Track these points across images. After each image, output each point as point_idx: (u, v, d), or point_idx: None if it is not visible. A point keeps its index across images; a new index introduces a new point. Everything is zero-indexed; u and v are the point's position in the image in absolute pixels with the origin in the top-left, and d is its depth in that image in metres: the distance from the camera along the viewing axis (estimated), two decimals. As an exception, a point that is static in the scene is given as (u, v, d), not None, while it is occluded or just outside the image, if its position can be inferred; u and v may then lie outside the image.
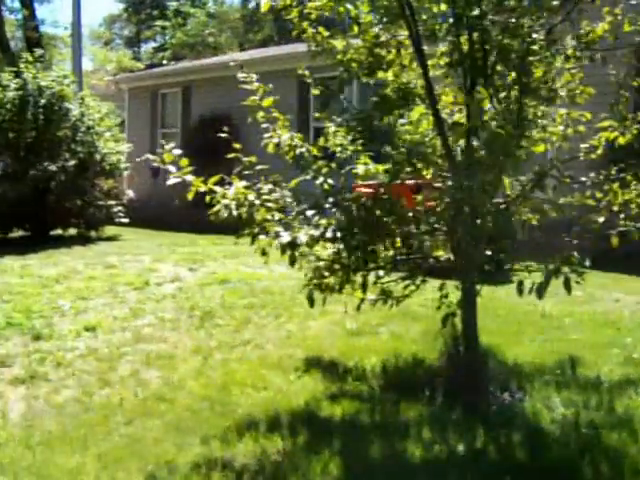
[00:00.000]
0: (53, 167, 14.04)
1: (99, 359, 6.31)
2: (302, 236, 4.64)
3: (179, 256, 11.71)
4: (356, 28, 5.76)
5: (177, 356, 6.42)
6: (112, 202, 15.43)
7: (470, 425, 4.77)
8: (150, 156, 4.80)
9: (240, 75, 5.47)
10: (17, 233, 15.26)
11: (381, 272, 5.39)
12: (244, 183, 4.91)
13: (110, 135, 15.95)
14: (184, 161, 4.86)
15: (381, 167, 5.67)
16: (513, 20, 4.83)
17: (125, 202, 15.87)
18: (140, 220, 16.33)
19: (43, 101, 14.55)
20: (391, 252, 5.29)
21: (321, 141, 5.82)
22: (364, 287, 5.43)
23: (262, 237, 4.80)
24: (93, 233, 15.36)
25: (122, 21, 53.71)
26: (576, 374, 5.79)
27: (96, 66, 35.10)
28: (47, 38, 35.57)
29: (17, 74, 14.82)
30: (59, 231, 15.35)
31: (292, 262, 4.78)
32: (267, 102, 5.45)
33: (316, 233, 4.71)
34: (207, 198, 4.96)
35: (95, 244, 14.13)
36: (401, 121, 5.80)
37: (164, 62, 37.62)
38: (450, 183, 5.24)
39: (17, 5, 33.35)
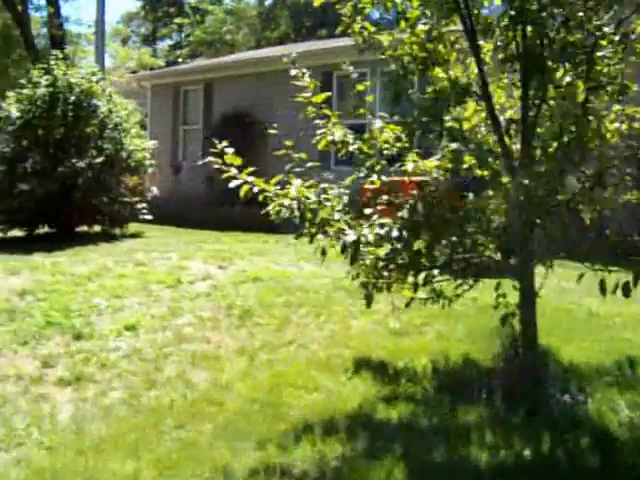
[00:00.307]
0: (81, 164, 13.92)
1: (144, 359, 6.22)
2: (369, 235, 4.51)
3: (206, 253, 11.59)
4: (403, 23, 5.64)
5: (222, 356, 6.32)
6: (136, 199, 15.35)
7: (534, 428, 4.65)
8: (212, 159, 4.67)
9: (293, 71, 5.36)
10: (42, 229, 15.20)
11: (435, 271, 5.26)
12: (299, 182, 4.79)
13: (135, 132, 15.87)
14: (237, 159, 4.74)
15: (430, 164, 5.56)
16: (580, 13, 4.69)
17: (149, 199, 15.75)
18: (161, 217, 16.22)
19: (73, 98, 14.40)
20: (446, 251, 5.16)
21: (366, 137, 5.69)
22: (416, 286, 5.32)
23: (320, 237, 4.67)
24: (117, 230, 15.27)
25: (139, 19, 53.83)
26: (637, 375, 5.66)
27: (117, 63, 34.98)
28: (70, 35, 35.53)
29: (47, 71, 14.75)
30: (84, 228, 15.26)
31: (353, 261, 4.64)
32: (318, 98, 5.34)
33: (382, 232, 4.58)
34: (260, 197, 4.84)
35: (120, 241, 14.04)
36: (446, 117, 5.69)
37: (180, 60, 37.59)
38: (506, 180, 5.12)
39: (42, 3, 33.19)
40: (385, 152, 5.67)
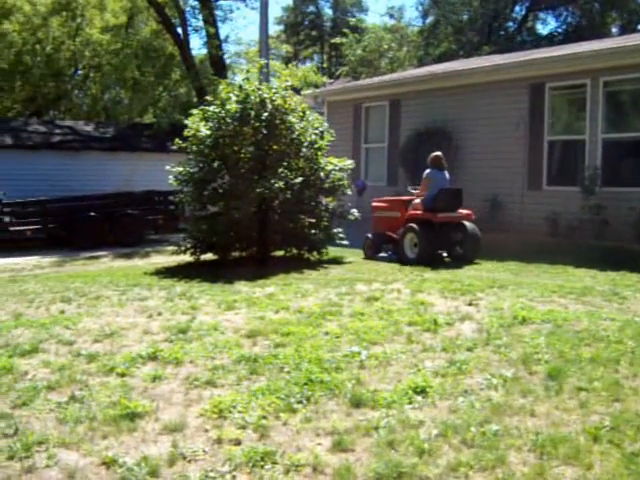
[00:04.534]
0: (280, 184, 12.67)
1: (469, 444, 4.56)
2: None
3: (435, 284, 10.06)
4: None
5: (572, 441, 4.57)
6: (335, 222, 14.02)
7: None
8: None
9: None
10: (236, 253, 14.11)
11: None
12: None
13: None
14: None
15: None
16: None
17: (349, 222, 14.35)
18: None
19: (265, 114, 13.28)
20: None
21: None
22: None
23: None
24: (314, 255, 13.93)
25: (280, 41, 53.94)
26: None
27: (280, 82, 34.13)
28: (229, 55, 35.36)
29: (239, 87, 13.73)
30: (279, 252, 14.04)
31: None
32: None
33: None
34: None
35: (325, 268, 12.68)
36: None
37: (329, 79, 36.54)
38: None
39: (200, 24, 33.20)
40: None
